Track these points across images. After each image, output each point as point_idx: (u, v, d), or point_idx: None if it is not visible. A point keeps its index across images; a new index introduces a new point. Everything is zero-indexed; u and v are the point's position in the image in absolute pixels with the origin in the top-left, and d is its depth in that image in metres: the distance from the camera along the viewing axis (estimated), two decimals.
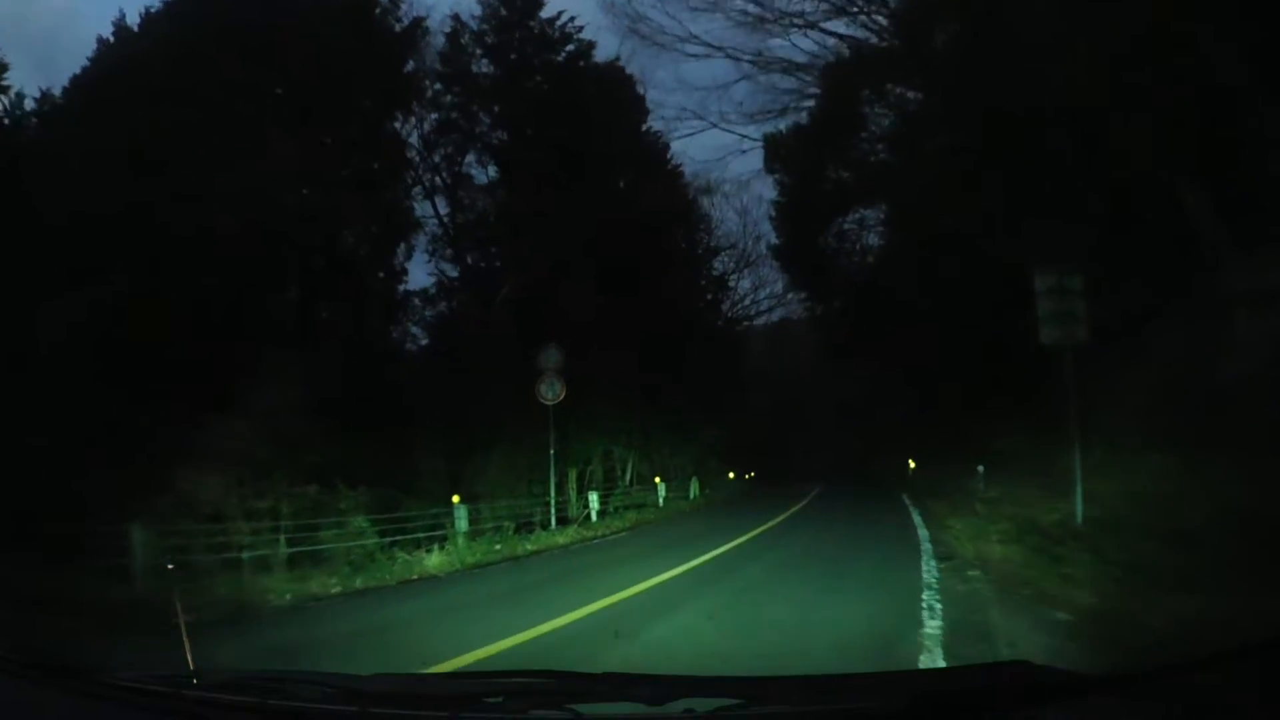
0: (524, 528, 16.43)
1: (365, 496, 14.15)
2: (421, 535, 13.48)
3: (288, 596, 9.60)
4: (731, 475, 36.93)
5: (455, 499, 13.98)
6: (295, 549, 12.21)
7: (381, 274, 24.88)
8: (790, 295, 45.76)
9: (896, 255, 27.21)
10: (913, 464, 30.99)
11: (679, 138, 46.52)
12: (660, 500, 23.97)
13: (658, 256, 31.76)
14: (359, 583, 10.77)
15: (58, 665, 2.27)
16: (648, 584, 8.55)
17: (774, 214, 32.57)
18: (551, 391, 17.39)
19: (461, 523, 13.66)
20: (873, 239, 30.97)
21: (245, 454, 13.62)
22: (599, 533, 16.58)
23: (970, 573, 8.10)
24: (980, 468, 15.23)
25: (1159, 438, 10.06)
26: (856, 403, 50.28)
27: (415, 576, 11.33)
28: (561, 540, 14.98)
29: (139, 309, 16.56)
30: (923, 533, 12.02)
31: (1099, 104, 12.16)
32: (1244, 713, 1.74)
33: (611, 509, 20.45)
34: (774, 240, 34.56)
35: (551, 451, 17.36)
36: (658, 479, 24.56)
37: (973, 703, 1.76)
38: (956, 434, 23.23)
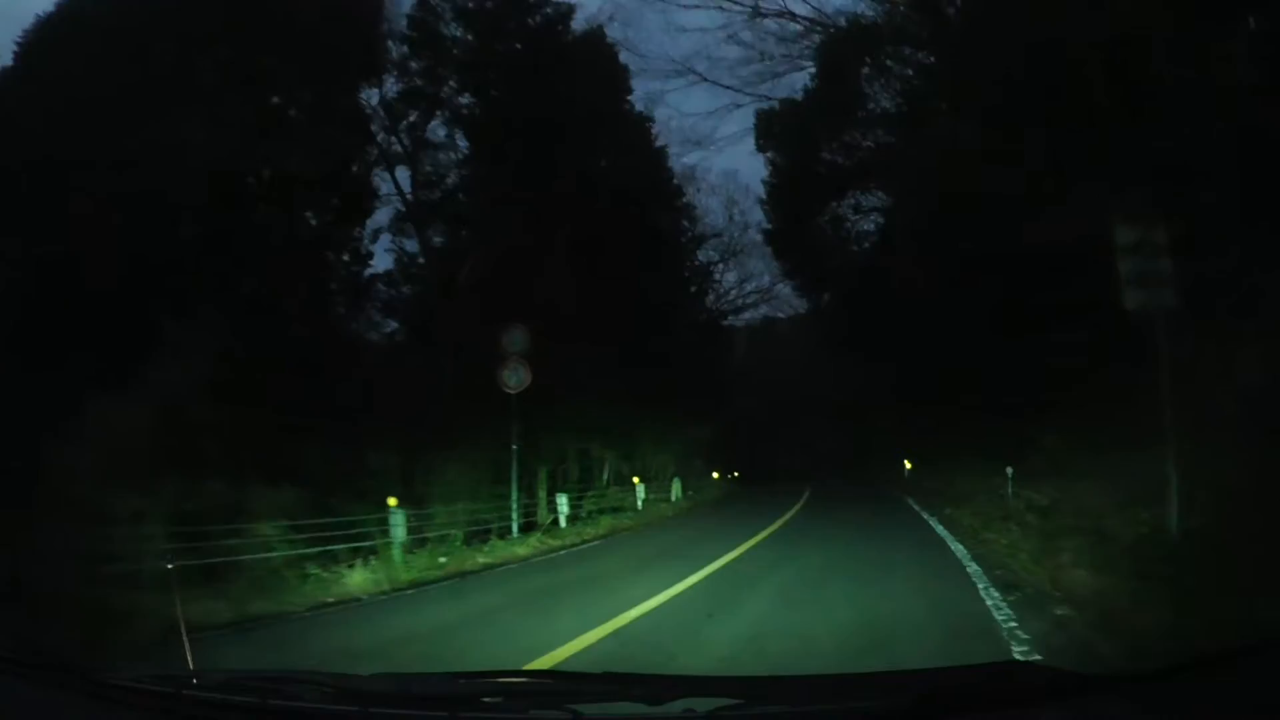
0: (483, 535, 14.14)
1: (289, 497, 11.91)
2: (349, 546, 11.12)
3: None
4: (716, 475, 34.73)
5: (391, 502, 11.66)
6: (187, 561, 9.89)
7: (346, 257, 22.75)
8: (778, 287, 43.95)
9: (897, 240, 25.14)
10: (909, 465, 29.04)
11: (670, 91, 44.25)
12: (639, 503, 21.74)
13: (639, 242, 29.80)
14: (257, 607, 8.51)
15: (60, 665, 2.26)
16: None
17: (765, 196, 30.44)
18: (515, 378, 15.12)
19: (398, 531, 11.36)
20: (868, 226, 28.94)
21: (141, 443, 11.58)
22: (567, 542, 14.32)
23: (1057, 611, 5.93)
24: (1009, 469, 13.12)
25: (1267, 425, 7.96)
26: (845, 401, 48.34)
27: (331, 599, 9.09)
28: (521, 551, 12.72)
29: (62, 283, 14.60)
30: (957, 548, 9.84)
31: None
32: (1244, 713, 1.71)
33: (584, 513, 18.21)
34: (762, 230, 32.44)
35: (514, 447, 15.10)
36: (636, 479, 22.33)
37: (974, 703, 1.76)
38: (964, 433, 21.26)
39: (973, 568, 8.19)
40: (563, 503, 16.82)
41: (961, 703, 1.74)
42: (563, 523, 16.44)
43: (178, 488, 10.89)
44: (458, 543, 12.14)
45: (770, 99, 23.95)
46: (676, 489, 26.10)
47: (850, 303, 28.30)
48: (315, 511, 11.74)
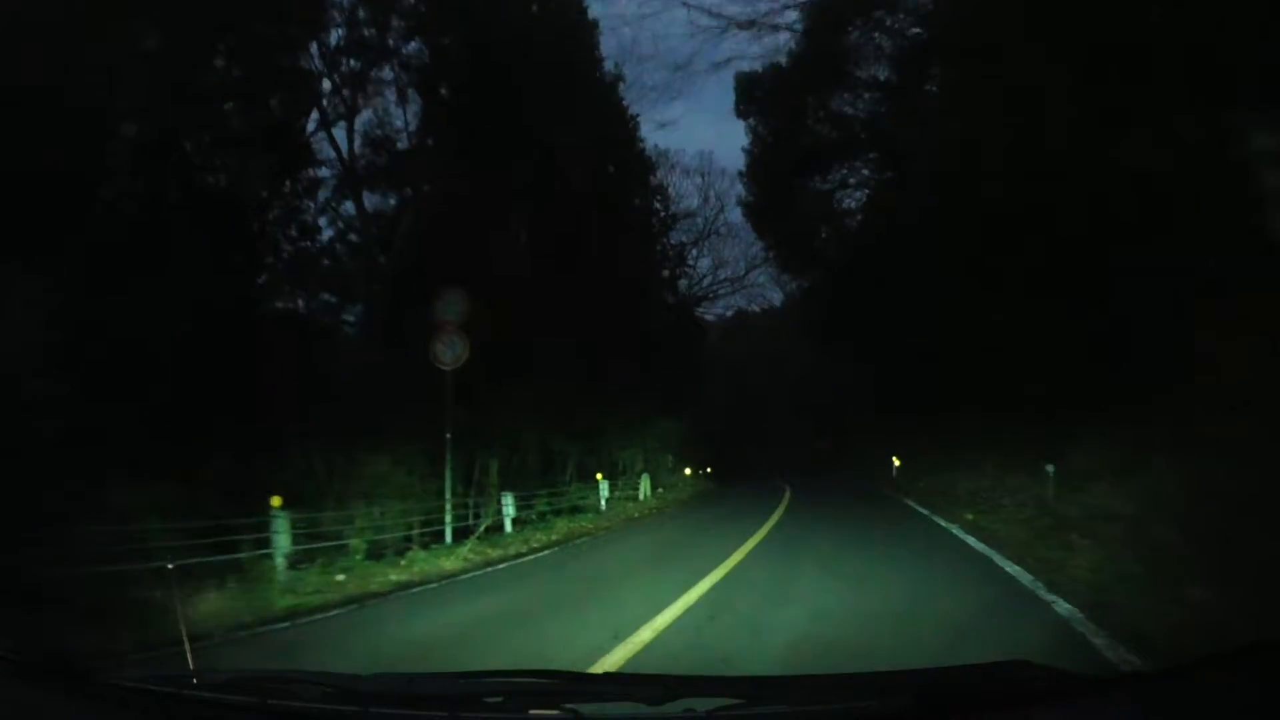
0: (419, 542, 11.58)
1: (158, 497, 9.31)
2: (225, 559, 8.52)
3: None
4: (688, 471, 32.28)
5: (275, 502, 9.05)
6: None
7: (294, 231, 20.19)
8: (753, 275, 42.14)
9: (892, 215, 22.89)
10: (898, 462, 26.82)
11: (648, 16, 41.16)
12: (602, 502, 19.23)
13: (608, 218, 27.51)
14: (72, 644, 5.99)
15: (60, 665, 2.19)
16: None
17: (745, 168, 28.04)
18: (450, 352, 12.57)
19: (281, 540, 8.78)
20: (853, 202, 26.63)
21: None
22: (510, 552, 11.77)
23: None
24: (1050, 468, 10.80)
25: None
26: (823, 395, 46.37)
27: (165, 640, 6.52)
28: (448, 565, 10.16)
29: None
30: (1015, 571, 7.39)
31: None
32: (1243, 713, 1.69)
33: (536, 514, 15.65)
34: (742, 204, 30.07)
35: (448, 436, 12.53)
36: (600, 476, 19.82)
37: (974, 702, 1.75)
38: (964, 428, 19.11)
39: (1063, 606, 5.75)
40: (508, 502, 14.23)
41: (961, 703, 1.73)
42: (508, 526, 13.88)
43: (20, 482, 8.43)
44: (359, 556, 9.52)
45: (761, 24, 21.35)
46: (645, 486, 23.62)
47: (838, 282, 25.95)
48: (199, 516, 9.14)
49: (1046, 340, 13.00)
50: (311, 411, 14.91)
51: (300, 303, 20.85)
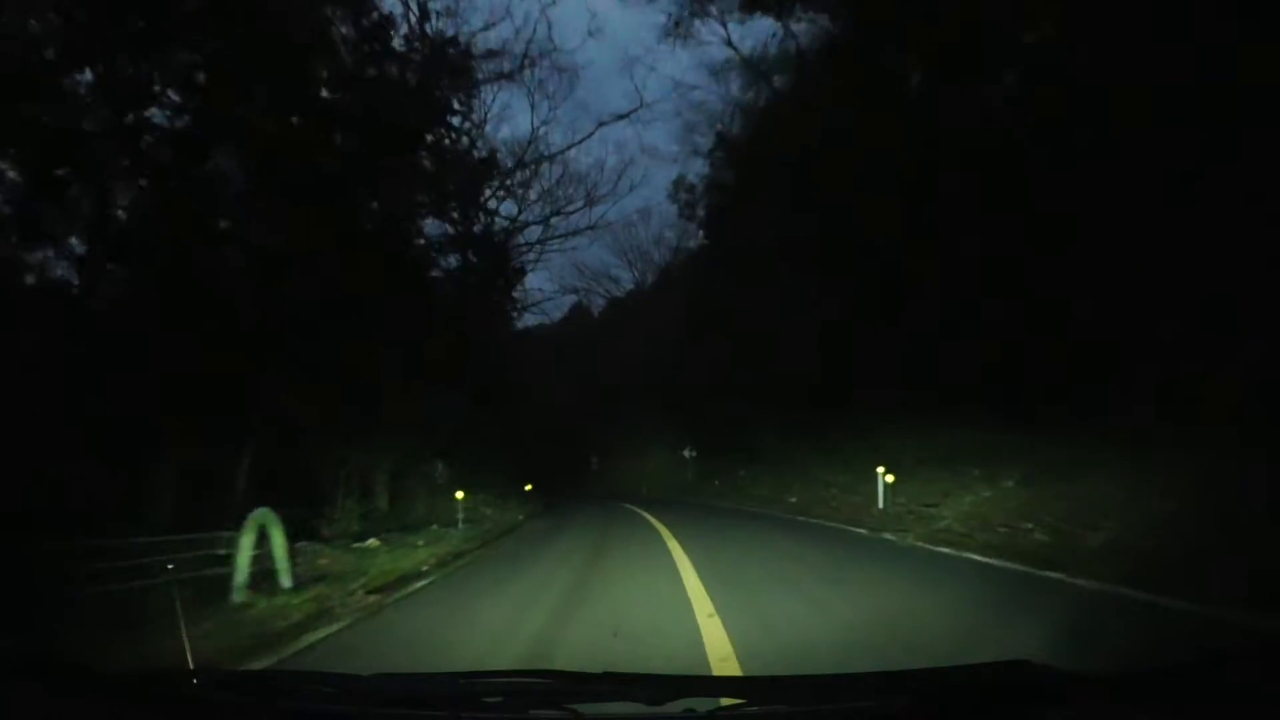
0: None
1: None
2: None
3: None
4: (460, 495, 17.68)
5: None
6: None
7: None
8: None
9: None
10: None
11: None
12: None
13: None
14: None
15: (60, 663, 2.19)
16: None
17: None
18: None
19: None
20: None
21: None
22: None
23: None
24: None
25: None
26: (698, 391, 33.86)
27: None
28: None
29: None
30: None
31: None
32: (1242, 713, 1.69)
33: None
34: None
35: None
36: None
37: (973, 703, 1.74)
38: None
39: None
40: None
41: (961, 703, 1.73)
42: None
43: None
44: None
45: None
46: (273, 556, 7.82)
47: None
48: None
49: None
50: None
51: None
